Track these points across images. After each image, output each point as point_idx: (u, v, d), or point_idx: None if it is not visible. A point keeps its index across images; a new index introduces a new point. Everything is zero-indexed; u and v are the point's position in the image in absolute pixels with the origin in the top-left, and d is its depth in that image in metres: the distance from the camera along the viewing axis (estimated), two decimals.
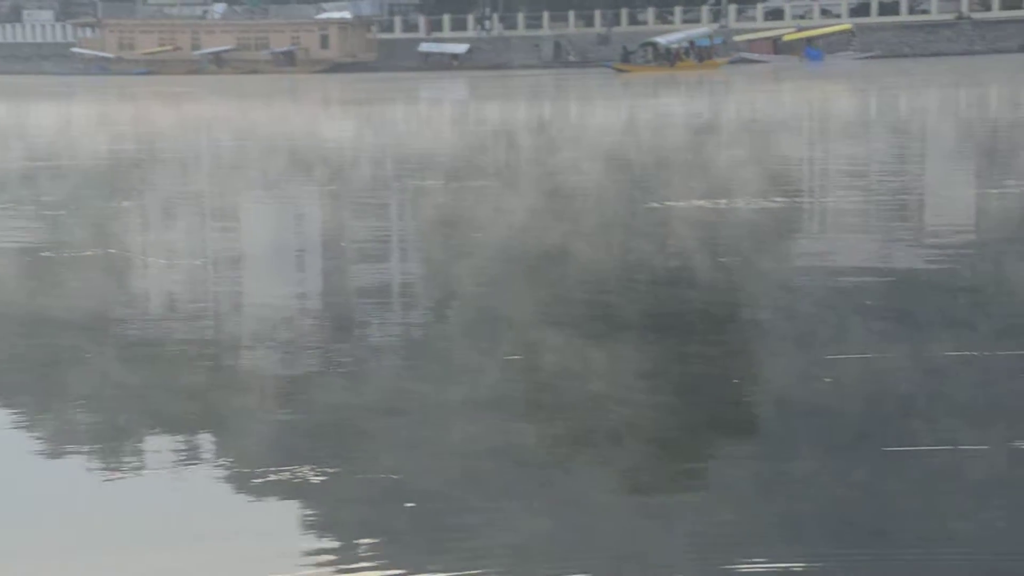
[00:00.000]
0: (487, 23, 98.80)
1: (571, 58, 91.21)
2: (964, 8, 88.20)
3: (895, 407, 6.44)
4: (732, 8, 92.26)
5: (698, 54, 74.73)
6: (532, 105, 41.62)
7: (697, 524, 4.97)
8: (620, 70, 71.99)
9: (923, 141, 24.08)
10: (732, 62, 75.02)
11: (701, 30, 79.88)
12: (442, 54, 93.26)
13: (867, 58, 78.39)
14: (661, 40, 75.54)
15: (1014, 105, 34.02)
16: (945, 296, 9.23)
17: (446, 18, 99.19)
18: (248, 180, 18.76)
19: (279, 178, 18.85)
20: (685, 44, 75.33)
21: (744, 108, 36.73)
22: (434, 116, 38.33)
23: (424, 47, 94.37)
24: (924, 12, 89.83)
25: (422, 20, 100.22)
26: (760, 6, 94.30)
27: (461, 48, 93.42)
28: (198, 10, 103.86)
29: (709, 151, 21.67)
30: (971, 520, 4.95)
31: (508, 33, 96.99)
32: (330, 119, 37.26)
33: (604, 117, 33.84)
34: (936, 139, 24.30)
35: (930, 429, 6.05)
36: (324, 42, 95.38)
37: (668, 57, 73.61)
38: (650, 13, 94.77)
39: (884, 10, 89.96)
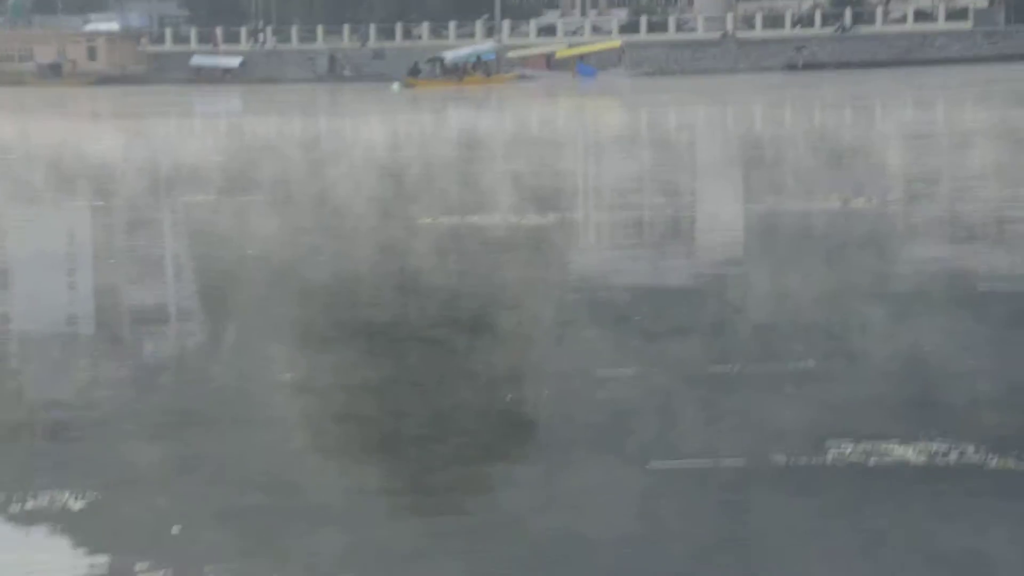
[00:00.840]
0: (260, 36, 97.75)
1: (346, 72, 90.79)
2: (729, 27, 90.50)
3: (591, 419, 6.45)
4: (506, 24, 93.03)
5: (485, 69, 75.38)
6: (329, 119, 41.22)
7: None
8: (409, 84, 72.18)
9: (688, 156, 24.51)
10: (524, 78, 75.87)
11: (487, 46, 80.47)
12: (214, 67, 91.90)
13: (638, 75, 79.81)
14: (448, 55, 75.90)
15: (771, 122, 34.95)
16: (693, 309, 9.34)
17: (218, 30, 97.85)
18: (8, 194, 18.11)
19: (41, 193, 18.24)
20: (472, 59, 75.89)
21: (534, 122, 36.98)
22: (206, 130, 37.67)
23: (196, 60, 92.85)
24: (691, 31, 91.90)
25: (193, 32, 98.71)
26: (533, 23, 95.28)
27: (234, 61, 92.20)
28: None
29: (487, 165, 21.71)
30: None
31: (282, 47, 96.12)
32: (97, 132, 36.33)
33: (390, 129, 33.70)
34: (700, 154, 24.77)
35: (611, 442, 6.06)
36: (92, 54, 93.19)
37: (456, 72, 74.05)
38: (425, 28, 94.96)
39: (653, 28, 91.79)
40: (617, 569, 4.71)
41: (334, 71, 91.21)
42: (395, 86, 70.49)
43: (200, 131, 37.12)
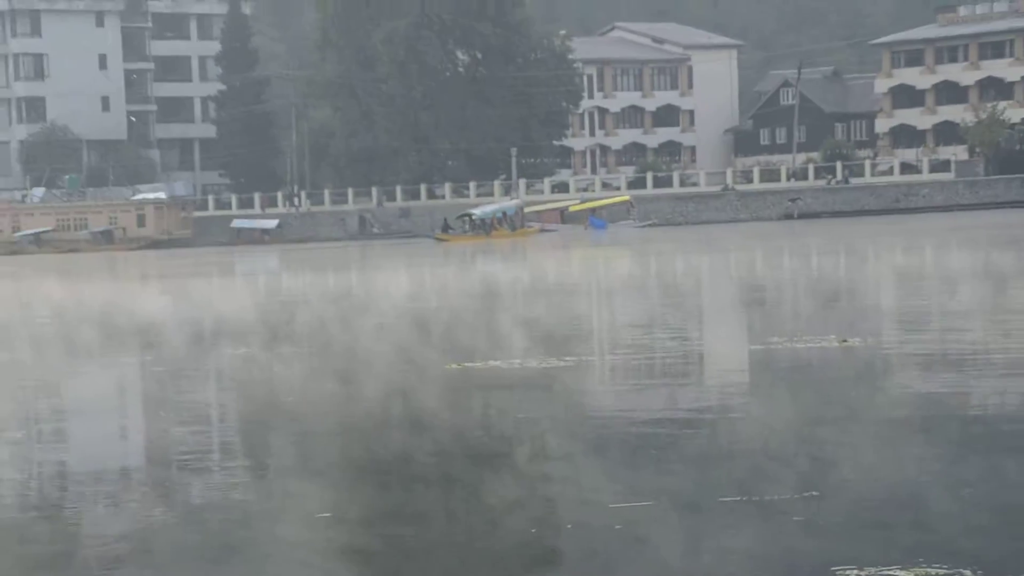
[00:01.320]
0: (296, 200, 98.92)
1: (375, 230, 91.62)
2: (729, 181, 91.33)
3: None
4: (522, 183, 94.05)
5: (510, 224, 76.48)
6: (369, 273, 41.52)
7: None
8: (441, 239, 73.15)
9: (696, 301, 24.60)
10: (543, 231, 76.80)
11: (513, 202, 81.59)
12: (254, 229, 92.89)
13: (645, 226, 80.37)
14: (476, 212, 77.05)
15: (772, 267, 35.11)
16: (696, 442, 9.33)
17: (256, 196, 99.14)
18: (62, 352, 18.24)
19: (93, 350, 18.37)
20: (499, 215, 77.01)
21: (553, 272, 37.22)
22: (250, 287, 37.93)
23: (236, 223, 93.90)
24: (694, 185, 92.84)
25: (234, 198, 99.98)
26: (547, 180, 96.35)
27: (272, 223, 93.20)
28: (17, 195, 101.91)
29: (512, 313, 21.82)
30: None
31: (315, 208, 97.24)
32: (144, 292, 36.60)
33: (429, 281, 33.93)
34: (705, 299, 24.88)
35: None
36: (140, 221, 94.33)
37: (484, 227, 75.09)
38: (447, 188, 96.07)
39: (658, 183, 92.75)
40: None
41: (364, 230, 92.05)
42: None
43: (242, 288, 37.37)
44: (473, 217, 76.33)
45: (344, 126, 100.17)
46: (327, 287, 35.00)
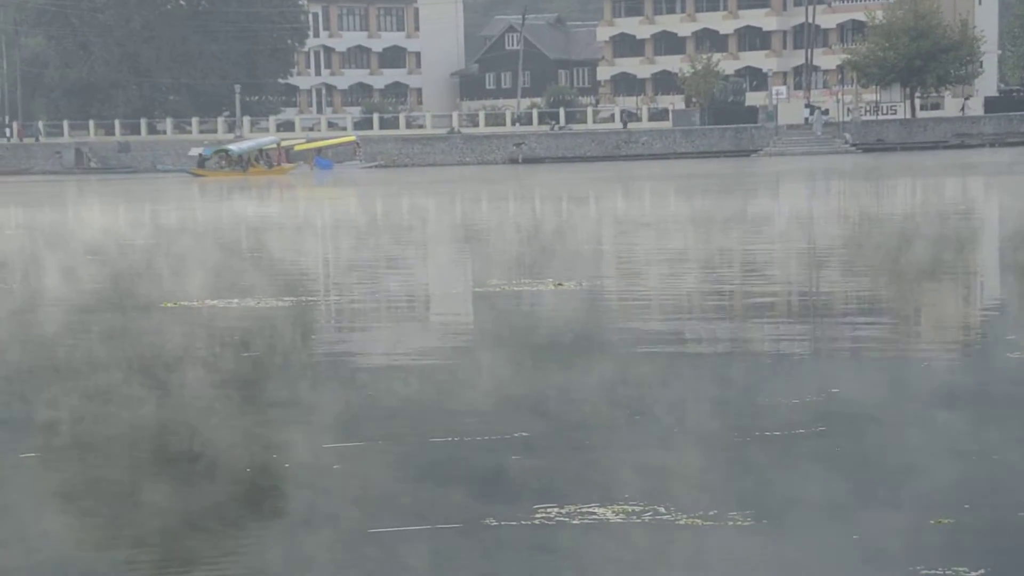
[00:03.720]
0: (7, 130, 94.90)
1: (92, 164, 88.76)
2: (455, 124, 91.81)
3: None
4: (246, 120, 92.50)
5: (268, 160, 75.60)
6: (96, 209, 40.07)
7: None
8: (197, 175, 71.96)
9: (420, 243, 24.72)
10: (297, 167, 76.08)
11: (269, 139, 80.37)
12: None
13: (372, 167, 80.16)
14: (233, 148, 75.82)
15: (496, 211, 35.55)
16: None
17: None
18: None
19: None
20: (255, 151, 76.02)
21: (280, 210, 36.72)
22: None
23: None
24: (420, 127, 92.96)
25: None
26: (272, 118, 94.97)
27: None
28: None
29: (245, 252, 21.47)
30: None
31: (28, 141, 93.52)
32: None
33: (165, 218, 33.00)
34: (429, 241, 25.03)
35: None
36: None
37: (241, 163, 74.05)
38: (168, 123, 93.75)
39: (385, 124, 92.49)
40: None
41: (81, 163, 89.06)
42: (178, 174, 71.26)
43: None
44: (230, 153, 75.26)
45: (59, 56, 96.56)
46: (45, 222, 33.73)
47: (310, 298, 15.13)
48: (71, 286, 16.39)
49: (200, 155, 76.13)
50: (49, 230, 29.91)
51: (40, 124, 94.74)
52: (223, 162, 75.04)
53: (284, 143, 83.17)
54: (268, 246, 22.88)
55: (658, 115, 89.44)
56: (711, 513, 5.92)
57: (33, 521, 6.10)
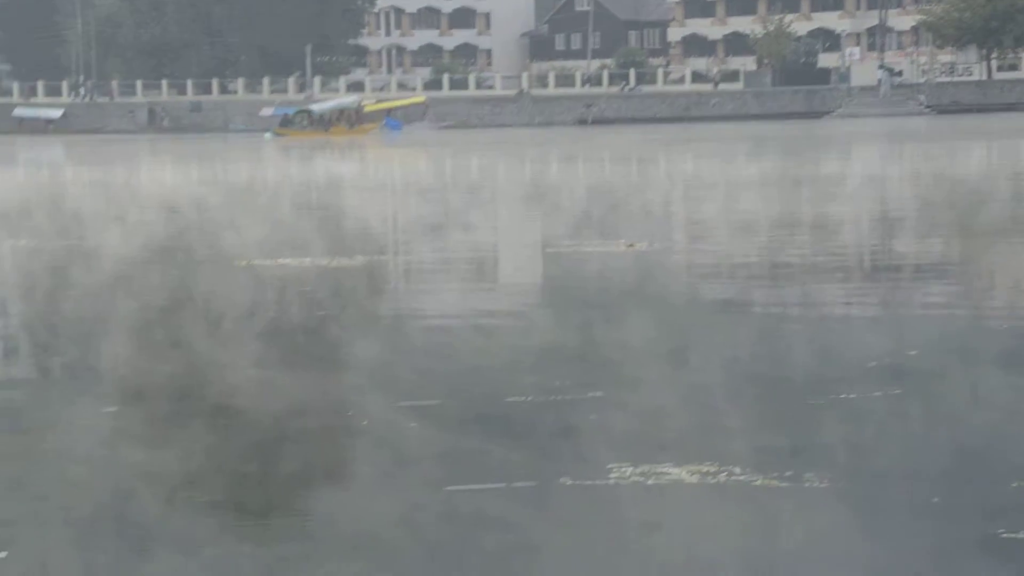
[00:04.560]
0: (82, 90, 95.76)
1: (165, 123, 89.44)
2: (525, 85, 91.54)
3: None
4: (317, 81, 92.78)
5: (349, 120, 76.48)
6: (171, 168, 40.43)
7: None
8: (279, 134, 72.98)
9: (491, 203, 24.69)
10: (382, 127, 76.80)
11: (351, 99, 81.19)
12: (36, 119, 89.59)
13: (441, 128, 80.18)
14: (315, 107, 77.00)
15: (566, 172, 35.45)
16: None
17: (40, 84, 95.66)
18: None
19: None
20: (337, 111, 76.97)
21: (359, 170, 36.86)
22: (35, 177, 36.66)
23: (18, 112, 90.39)
24: (490, 88, 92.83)
25: (16, 85, 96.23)
26: (343, 79, 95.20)
27: (56, 113, 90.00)
28: None
29: (320, 210, 21.56)
30: None
31: (102, 100, 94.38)
32: None
33: (241, 177, 33.25)
34: (500, 202, 24.99)
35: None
36: None
37: (322, 123, 75.12)
38: (240, 84, 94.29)
39: (454, 85, 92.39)
40: None
41: (153, 123, 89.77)
42: (267, 135, 71.57)
43: (27, 178, 36.08)
44: (312, 113, 76.29)
45: (133, 16, 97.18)
46: (123, 180, 34.06)
47: (388, 256, 15.17)
48: (148, 243, 16.53)
49: (284, 115, 76.90)
50: (141, 188, 30.20)
51: (114, 84, 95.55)
52: (305, 122, 76.06)
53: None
54: (344, 205, 22.96)
55: (729, 77, 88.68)
56: (787, 475, 5.87)
57: (149, 458, 6.16)
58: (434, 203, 23.85)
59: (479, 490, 5.74)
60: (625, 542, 5.10)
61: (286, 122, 75.95)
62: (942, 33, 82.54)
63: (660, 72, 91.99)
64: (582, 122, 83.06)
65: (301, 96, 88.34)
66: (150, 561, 4.98)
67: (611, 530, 5.26)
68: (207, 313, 10.96)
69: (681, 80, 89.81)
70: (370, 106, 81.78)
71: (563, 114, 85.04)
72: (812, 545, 5.09)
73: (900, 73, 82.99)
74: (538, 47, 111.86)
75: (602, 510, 5.49)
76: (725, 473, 5.89)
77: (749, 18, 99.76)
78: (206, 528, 5.35)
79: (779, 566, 4.91)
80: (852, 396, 7.39)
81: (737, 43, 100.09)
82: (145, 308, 11.31)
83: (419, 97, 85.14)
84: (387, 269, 14.23)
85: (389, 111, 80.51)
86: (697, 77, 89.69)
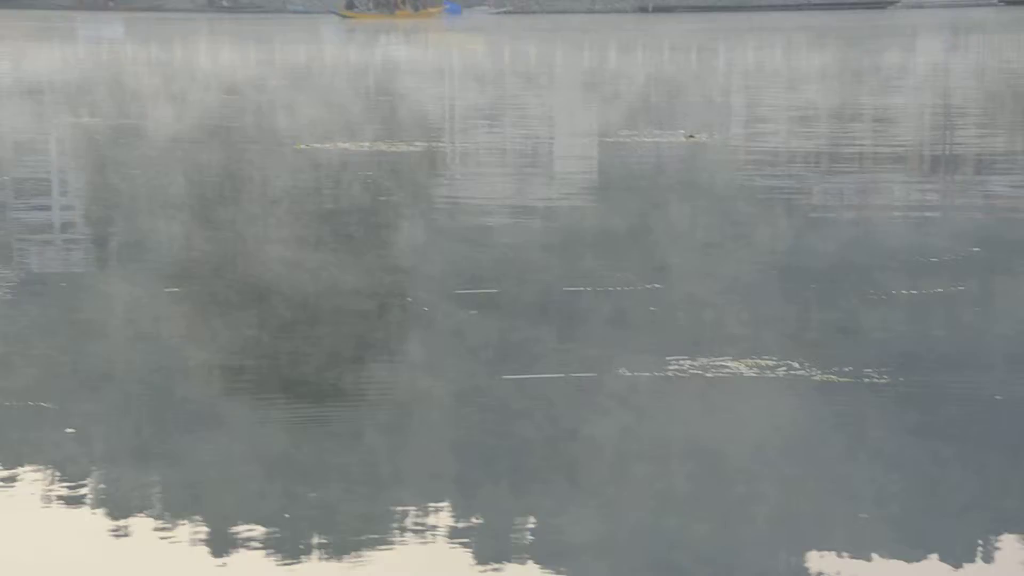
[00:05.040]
0: None
1: (224, 3, 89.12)
2: None
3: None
4: None
5: (413, 4, 76.08)
6: (240, 49, 40.39)
7: None
8: (345, 16, 72.83)
9: (549, 91, 24.50)
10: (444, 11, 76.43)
11: None
12: None
13: (500, 13, 79.45)
14: None
15: (625, 60, 35.08)
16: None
17: None
18: None
19: None
20: None
21: (417, 55, 36.66)
22: (100, 55, 36.70)
23: None
24: None
25: None
26: None
27: None
28: None
29: (382, 95, 21.48)
30: None
31: None
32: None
33: (303, 59, 33.17)
34: (558, 90, 24.78)
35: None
36: None
37: (387, 6, 74.78)
38: None
39: None
40: None
41: (213, 1, 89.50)
42: (334, 16, 72.12)
43: (92, 56, 36.13)
44: None
45: None
46: (192, 60, 34.03)
47: (446, 143, 15.12)
48: (209, 124, 16.55)
49: None
50: (213, 69, 30.19)
51: None
52: (371, 4, 75.73)
53: None
54: (404, 90, 22.85)
55: None
56: (846, 370, 5.84)
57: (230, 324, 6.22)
58: (495, 90, 23.68)
59: (538, 379, 5.75)
60: (681, 435, 5.11)
61: (350, 4, 75.60)
62: None
63: None
64: (643, 9, 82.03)
65: None
66: (215, 429, 5.04)
67: (667, 421, 5.26)
68: (264, 195, 10.98)
69: None
70: None
71: (624, 1, 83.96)
72: (868, 441, 5.07)
73: None
74: None
75: (660, 401, 5.49)
76: (784, 367, 5.86)
77: None
78: (271, 402, 5.41)
79: (839, 459, 4.90)
80: (914, 292, 7.33)
81: None
82: (204, 188, 11.34)
83: None
84: (445, 155, 14.18)
85: None
86: None
